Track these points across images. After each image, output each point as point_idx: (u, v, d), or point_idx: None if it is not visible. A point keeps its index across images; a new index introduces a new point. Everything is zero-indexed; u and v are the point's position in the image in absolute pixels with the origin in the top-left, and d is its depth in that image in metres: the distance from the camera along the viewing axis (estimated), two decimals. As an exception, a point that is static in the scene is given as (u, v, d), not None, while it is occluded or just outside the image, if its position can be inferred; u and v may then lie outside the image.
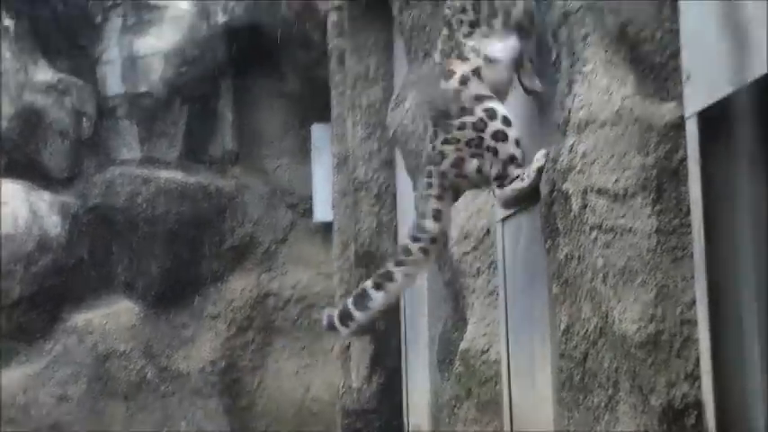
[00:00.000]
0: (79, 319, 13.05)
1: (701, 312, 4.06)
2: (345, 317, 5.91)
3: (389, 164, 11.74)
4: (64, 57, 13.54)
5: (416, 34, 8.64)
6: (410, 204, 10.07)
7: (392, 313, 11.52)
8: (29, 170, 13.17)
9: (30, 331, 12.89)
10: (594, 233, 4.51)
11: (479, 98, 5.42)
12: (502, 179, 5.43)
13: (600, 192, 4.49)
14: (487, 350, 7.44)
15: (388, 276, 5.82)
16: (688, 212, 4.21)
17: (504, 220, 6.61)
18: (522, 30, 5.47)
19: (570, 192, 4.73)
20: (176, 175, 13.66)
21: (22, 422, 12.51)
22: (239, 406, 13.46)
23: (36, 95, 13.12)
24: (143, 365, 13.06)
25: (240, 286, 13.67)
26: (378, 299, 5.81)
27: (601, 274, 4.47)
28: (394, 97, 10.00)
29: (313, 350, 13.66)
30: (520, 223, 6.16)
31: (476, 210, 7.94)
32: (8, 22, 13.08)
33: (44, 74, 13.25)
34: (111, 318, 13.10)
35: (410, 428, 11.02)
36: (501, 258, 6.89)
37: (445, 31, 5.65)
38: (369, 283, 5.91)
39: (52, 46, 13.47)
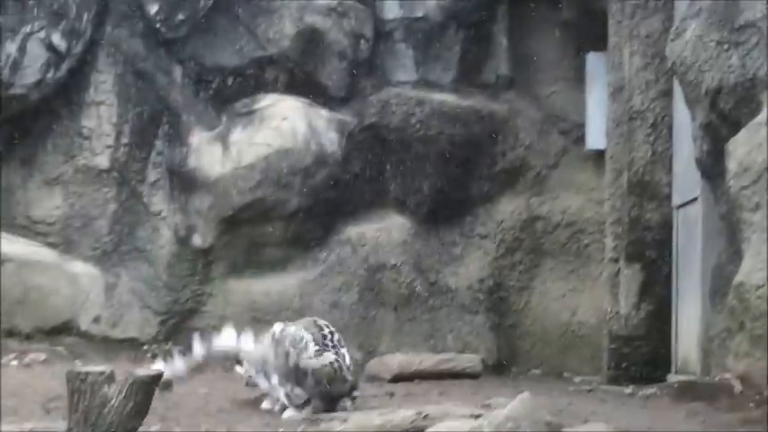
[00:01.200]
0: (353, 231, 13.38)
1: None
2: None
3: (667, 94, 11.59)
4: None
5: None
6: (687, 135, 9.97)
7: (664, 243, 11.48)
8: (308, 88, 13.53)
9: (306, 240, 13.30)
10: None
11: None
12: None
13: None
14: (763, 285, 7.36)
15: None
16: None
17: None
18: None
19: None
20: (450, 98, 13.79)
21: (296, 326, 12.94)
22: (505, 324, 13.61)
23: (316, 17, 13.43)
24: (413, 279, 13.32)
25: (510, 208, 13.76)
26: None
27: None
28: (674, 28, 9.86)
29: (581, 274, 13.66)
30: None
31: (756, 144, 7.82)
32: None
33: (324, -2, 13.57)
34: (383, 232, 13.40)
35: (678, 358, 10.98)
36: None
37: None
38: None
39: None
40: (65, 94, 12.71)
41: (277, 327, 8.36)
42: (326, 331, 8.12)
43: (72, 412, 6.09)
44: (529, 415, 5.14)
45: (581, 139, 13.70)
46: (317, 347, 7.89)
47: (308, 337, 8.00)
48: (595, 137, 13.17)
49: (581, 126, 13.67)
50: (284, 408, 7.98)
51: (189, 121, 13.08)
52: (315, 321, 8.37)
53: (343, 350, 8.00)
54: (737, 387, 7.57)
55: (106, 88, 12.88)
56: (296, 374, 7.85)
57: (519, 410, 5.15)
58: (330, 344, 7.99)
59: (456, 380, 11.14)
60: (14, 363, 10.89)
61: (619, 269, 11.77)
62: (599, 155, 12.99)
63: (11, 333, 11.63)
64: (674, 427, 6.95)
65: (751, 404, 7.22)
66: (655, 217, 11.61)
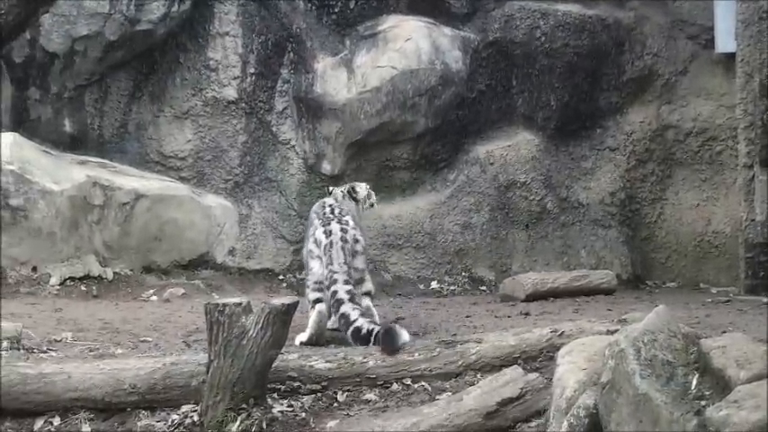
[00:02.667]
0: (481, 150, 13.33)
1: None
2: None
3: (799, -10, 11.24)
4: None
5: None
6: (821, 33, 9.65)
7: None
8: (430, 6, 13.46)
9: (434, 162, 13.31)
10: None
11: None
12: None
13: None
14: None
15: None
16: None
17: None
18: None
19: None
20: (574, 8, 13.59)
21: (429, 247, 13.03)
22: (639, 237, 13.52)
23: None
24: (543, 196, 13.26)
25: (639, 118, 13.57)
26: None
27: None
28: None
29: (714, 182, 13.44)
30: None
31: None
32: None
33: None
34: (511, 149, 13.32)
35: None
36: None
37: None
38: None
39: None
40: (190, 27, 12.85)
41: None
42: (327, 209, 8.75)
43: (212, 344, 6.26)
44: (665, 328, 5.09)
45: (710, 43, 13.40)
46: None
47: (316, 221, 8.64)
48: (725, 40, 12.87)
49: (710, 29, 13.37)
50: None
51: (313, 47, 13.12)
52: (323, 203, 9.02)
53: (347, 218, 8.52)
54: None
55: (230, 19, 12.98)
56: None
57: (655, 324, 5.10)
58: (332, 216, 8.56)
59: (591, 296, 11.12)
60: (154, 298, 11.17)
61: (753, 175, 11.52)
62: (729, 58, 12.68)
63: (149, 269, 11.90)
64: (816, 334, 6.81)
65: None
66: (789, 119, 11.34)
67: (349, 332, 7.49)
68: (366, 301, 8.18)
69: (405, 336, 7.12)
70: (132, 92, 12.72)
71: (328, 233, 8.23)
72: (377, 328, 7.29)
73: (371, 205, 9.55)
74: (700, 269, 13.39)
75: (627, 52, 13.57)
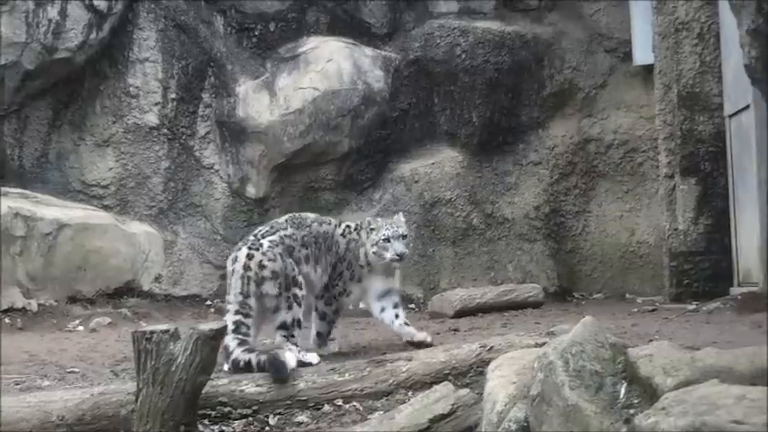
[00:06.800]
0: (405, 168, 13.39)
1: None
2: None
3: (712, 2, 11.42)
4: None
5: None
6: (735, 43, 9.80)
7: (718, 154, 11.37)
8: (350, 27, 13.52)
9: (359, 182, 13.35)
10: None
11: None
12: None
13: None
14: (821, 189, 7.25)
15: None
16: None
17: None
18: None
19: None
20: (493, 25, 13.71)
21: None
22: (564, 250, 13.62)
23: (353, -46, 13.42)
24: (469, 212, 13.31)
25: (561, 132, 13.70)
26: None
27: None
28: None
29: (637, 193, 13.60)
30: None
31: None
32: None
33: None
34: (435, 167, 13.38)
35: (739, 270, 10.90)
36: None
37: None
38: None
39: None
40: (109, 54, 12.78)
41: None
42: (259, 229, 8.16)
43: (140, 372, 6.17)
44: (593, 338, 5.11)
45: (628, 56, 13.58)
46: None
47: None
48: (642, 52, 13.03)
49: (627, 42, 13.55)
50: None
51: (234, 70, 13.10)
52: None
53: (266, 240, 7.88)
54: (802, 295, 7.50)
55: (149, 45, 12.92)
56: None
57: (583, 335, 5.13)
58: (251, 238, 7.98)
59: (519, 310, 11.16)
60: (80, 328, 11.01)
61: (675, 185, 11.68)
62: (647, 70, 12.86)
63: (74, 299, 11.75)
64: (739, 339, 6.92)
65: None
66: (707, 128, 11.50)
67: (229, 365, 7.33)
68: (278, 338, 7.76)
69: (291, 362, 7.00)
70: (52, 121, 12.60)
71: (234, 260, 7.89)
72: (254, 358, 7.10)
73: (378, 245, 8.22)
74: (625, 279, 13.52)
75: (547, 67, 13.70)
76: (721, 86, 11.33)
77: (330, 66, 13.06)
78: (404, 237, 8.24)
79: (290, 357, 7.02)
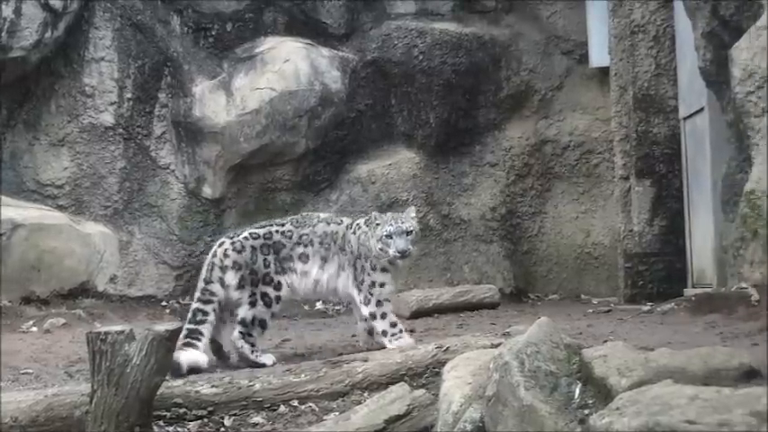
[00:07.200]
0: (362, 169, 13.40)
1: None
2: None
3: (667, 5, 11.50)
4: None
5: None
6: (690, 46, 9.89)
7: (673, 156, 11.46)
8: (307, 28, 13.51)
9: (316, 182, 13.33)
10: None
11: None
12: None
13: None
14: (774, 191, 7.30)
15: None
16: None
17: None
18: None
19: None
20: (451, 27, 13.74)
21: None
22: (520, 251, 13.67)
23: (311, -46, 13.38)
24: (425, 213, 13.30)
25: (518, 134, 13.76)
26: None
27: None
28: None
29: (592, 195, 13.68)
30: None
31: (759, 48, 7.74)
32: None
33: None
34: (392, 168, 13.40)
35: (693, 271, 10.98)
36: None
37: None
38: None
39: None
40: (64, 53, 12.68)
41: None
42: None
43: (95, 374, 6.13)
44: (548, 339, 5.13)
45: (584, 58, 13.66)
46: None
47: None
48: (598, 54, 13.12)
49: (584, 44, 13.63)
50: None
51: (191, 70, 13.04)
52: None
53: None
54: (754, 296, 7.55)
55: (105, 44, 12.84)
56: None
57: (538, 335, 5.14)
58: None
59: (475, 311, 11.18)
60: (34, 329, 10.90)
61: (630, 186, 11.77)
62: (603, 72, 12.94)
63: (28, 300, 11.64)
64: (693, 339, 6.96)
65: (768, 312, 7.21)
66: (662, 131, 11.60)
67: None
68: (235, 333, 7.67)
69: (184, 365, 7.04)
70: (6, 120, 12.50)
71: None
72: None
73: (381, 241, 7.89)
74: (580, 280, 13.59)
75: (504, 69, 13.74)
76: (676, 89, 11.42)
77: (287, 66, 13.03)
78: (408, 233, 7.88)
79: (185, 359, 7.13)
